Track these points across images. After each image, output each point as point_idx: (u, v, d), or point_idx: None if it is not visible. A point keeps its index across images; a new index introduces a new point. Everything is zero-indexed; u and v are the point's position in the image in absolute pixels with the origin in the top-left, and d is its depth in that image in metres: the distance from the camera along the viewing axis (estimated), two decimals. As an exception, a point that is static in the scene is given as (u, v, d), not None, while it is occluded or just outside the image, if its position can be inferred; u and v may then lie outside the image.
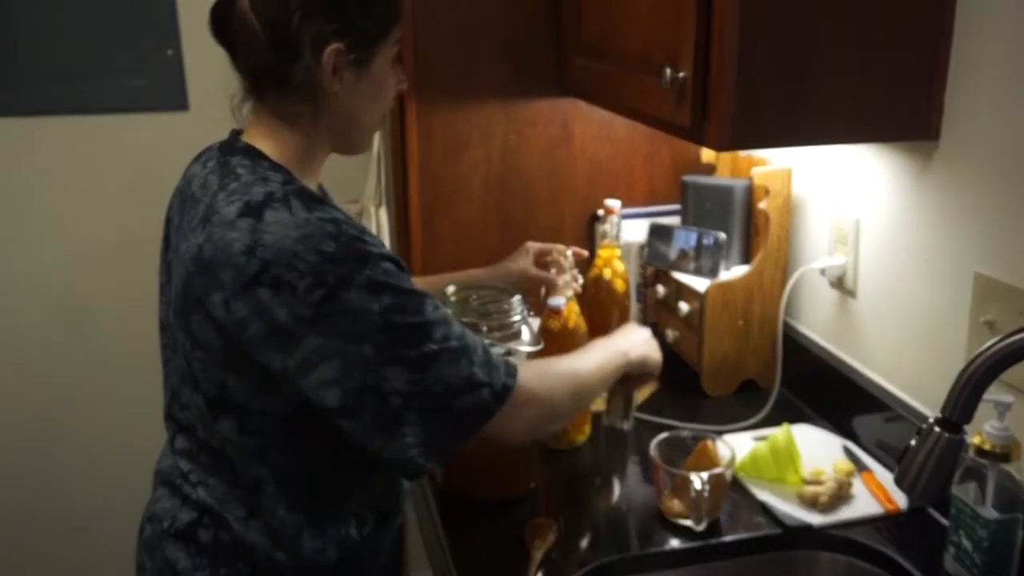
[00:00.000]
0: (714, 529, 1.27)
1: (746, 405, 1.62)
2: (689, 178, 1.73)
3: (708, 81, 1.19)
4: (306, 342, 0.97)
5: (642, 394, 1.62)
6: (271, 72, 1.07)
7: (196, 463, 1.13)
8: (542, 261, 1.57)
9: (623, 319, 1.72)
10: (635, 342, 1.34)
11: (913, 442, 0.94)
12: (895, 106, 1.22)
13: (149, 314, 1.20)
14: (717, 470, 1.26)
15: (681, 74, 1.21)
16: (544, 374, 1.14)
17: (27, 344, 2.23)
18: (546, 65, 1.76)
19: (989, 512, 1.08)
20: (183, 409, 1.14)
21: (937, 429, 0.92)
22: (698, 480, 1.22)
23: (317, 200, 1.03)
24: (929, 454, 0.92)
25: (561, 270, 1.54)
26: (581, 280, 1.59)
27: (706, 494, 1.22)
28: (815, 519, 1.27)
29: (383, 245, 1.04)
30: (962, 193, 1.25)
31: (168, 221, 1.17)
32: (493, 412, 1.05)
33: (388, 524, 1.20)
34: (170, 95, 2.14)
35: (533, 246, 1.58)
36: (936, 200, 1.30)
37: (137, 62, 2.11)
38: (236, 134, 1.13)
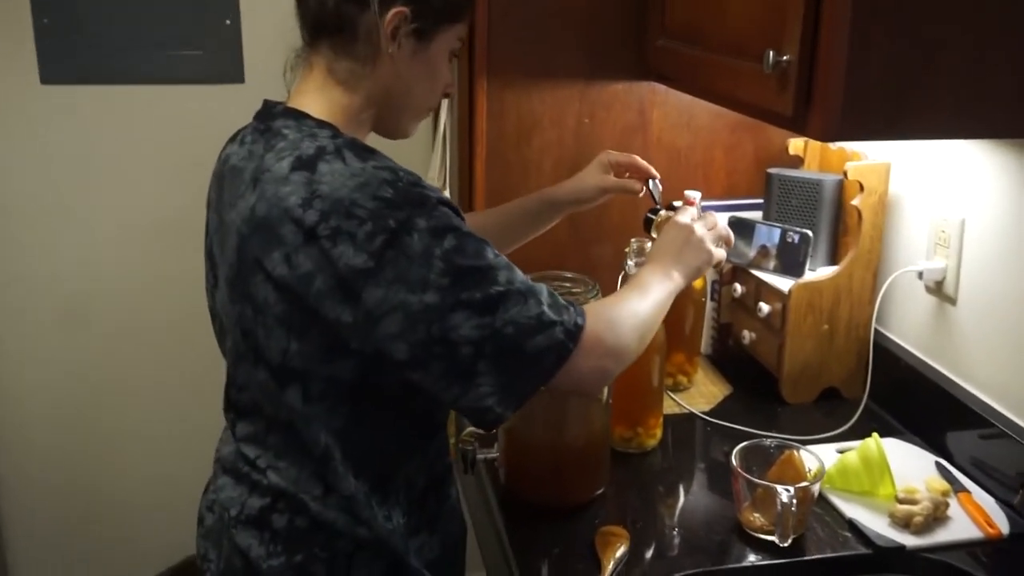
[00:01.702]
0: (798, 546, 1.22)
1: (828, 415, 1.58)
2: (775, 171, 1.68)
3: (814, 65, 1.15)
4: (367, 295, 0.97)
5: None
6: (336, 20, 1.08)
7: (264, 447, 1.12)
8: (620, 173, 1.50)
9: (698, 317, 1.68)
10: (681, 258, 1.26)
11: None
12: (1019, 98, 1.16)
13: (201, 287, 1.19)
14: (805, 483, 1.21)
15: (785, 57, 1.16)
16: (609, 316, 1.10)
17: (80, 315, 2.23)
18: (625, 46, 1.72)
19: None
20: (241, 391, 1.13)
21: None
22: (785, 493, 1.18)
23: (369, 150, 1.05)
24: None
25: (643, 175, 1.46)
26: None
27: (793, 508, 1.18)
28: (908, 540, 1.22)
29: (440, 191, 1.03)
30: (1086, 195, 1.19)
31: (208, 207, 1.17)
32: (569, 351, 1.03)
33: (443, 490, 1.19)
34: (226, 67, 2.13)
35: (611, 155, 1.50)
36: (1055, 202, 1.25)
37: (195, 32, 2.10)
38: (269, 104, 1.13)
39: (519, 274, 1.04)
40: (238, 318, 1.08)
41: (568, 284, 1.33)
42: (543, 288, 1.05)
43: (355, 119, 1.12)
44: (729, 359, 1.78)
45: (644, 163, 1.49)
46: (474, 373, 1.00)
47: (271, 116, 1.11)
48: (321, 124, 1.07)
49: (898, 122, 1.14)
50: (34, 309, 2.21)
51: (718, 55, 1.39)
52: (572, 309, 1.06)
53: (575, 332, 1.04)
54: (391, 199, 0.98)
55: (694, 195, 1.60)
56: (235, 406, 1.15)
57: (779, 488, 1.19)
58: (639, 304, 1.16)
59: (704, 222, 1.31)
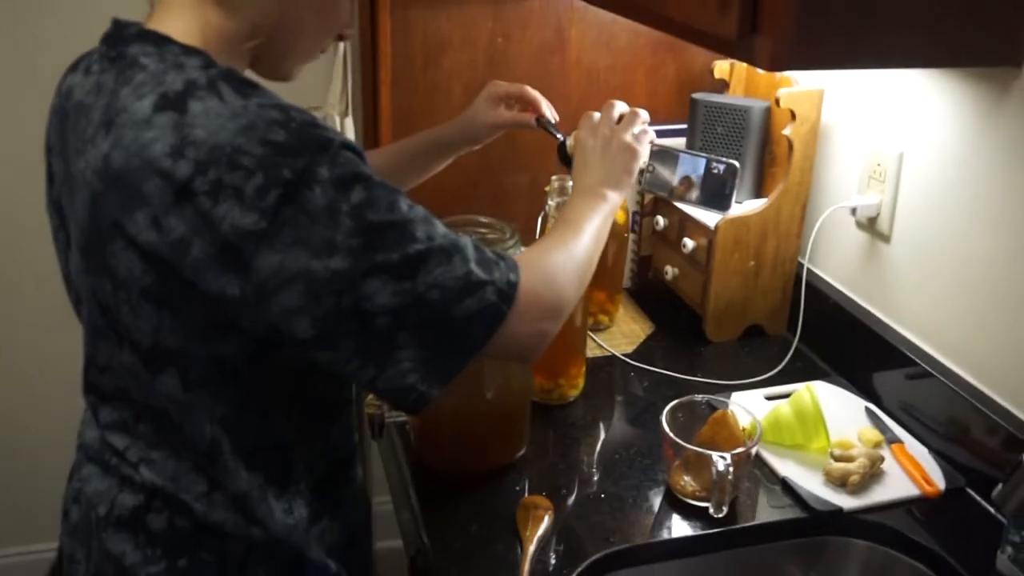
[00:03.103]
0: (731, 511, 1.07)
1: (752, 353, 1.43)
2: (700, 96, 1.48)
3: (762, -16, 0.94)
4: (260, 262, 0.75)
5: None
6: None
7: (133, 436, 0.89)
8: (511, 105, 1.27)
9: (621, 253, 1.49)
10: (605, 169, 1.07)
11: (1027, 459, 0.73)
12: (978, 23, 0.97)
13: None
14: (741, 448, 1.05)
15: (729, -27, 0.95)
16: (543, 267, 0.92)
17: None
18: (542, -44, 1.48)
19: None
20: (103, 373, 0.90)
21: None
22: (721, 460, 1.02)
23: (251, 84, 0.81)
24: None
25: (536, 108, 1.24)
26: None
27: (730, 476, 1.02)
28: (845, 502, 1.08)
29: (341, 133, 0.82)
30: (1045, 133, 1.02)
31: (48, 151, 0.92)
32: (503, 315, 0.84)
33: (347, 473, 1.00)
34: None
35: (499, 87, 1.27)
36: (1010, 136, 1.08)
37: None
38: (120, 25, 0.87)
39: (439, 227, 0.83)
40: (93, 291, 0.85)
41: (484, 230, 1.12)
42: (467, 241, 0.85)
43: (232, 48, 0.86)
44: (649, 293, 1.61)
45: (533, 93, 1.25)
46: (393, 348, 0.80)
47: (123, 40, 0.84)
48: (188, 51, 0.82)
49: (857, 49, 0.94)
50: None
51: (648, -31, 1.16)
52: (503, 264, 0.86)
53: (509, 292, 0.84)
54: (284, 144, 0.76)
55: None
56: (96, 389, 0.92)
57: (715, 456, 1.02)
58: (574, 245, 0.97)
59: (608, 119, 1.11)
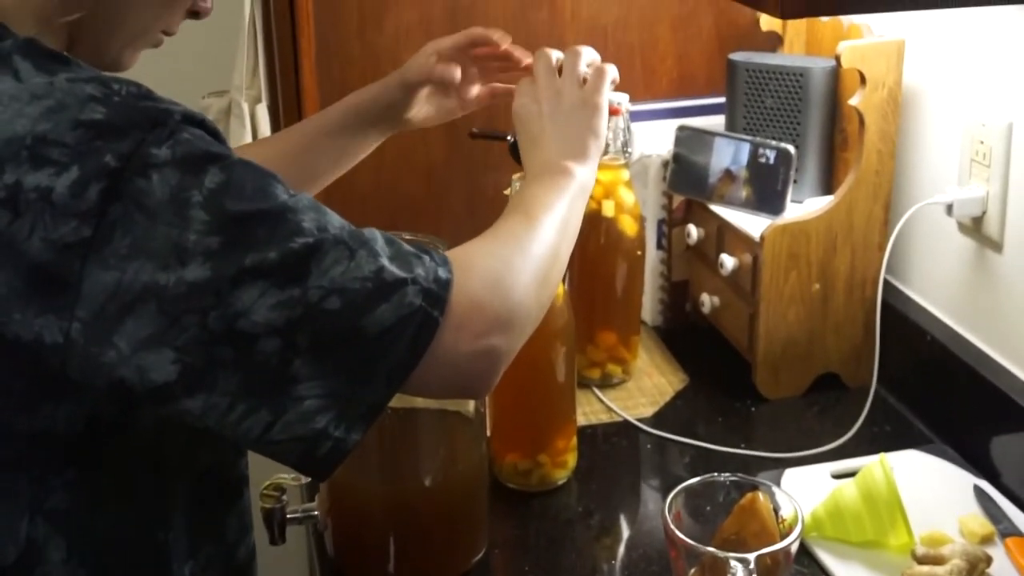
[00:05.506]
0: (766, 638, 1.04)
1: (823, 415, 1.42)
2: (740, 57, 1.50)
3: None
4: (89, 285, 0.77)
5: None
6: None
7: None
8: (459, 59, 1.27)
9: (636, 276, 1.50)
10: (558, 134, 1.07)
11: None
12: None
13: None
14: (773, 547, 1.03)
15: None
16: (485, 263, 0.91)
17: None
18: None
19: None
20: None
21: None
22: (740, 567, 0.99)
23: (59, 58, 0.84)
24: None
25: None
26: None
27: (754, 588, 1.00)
28: (931, 622, 1.05)
29: (182, 105, 0.84)
30: None
31: None
32: (435, 323, 0.84)
33: None
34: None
35: (441, 43, 1.27)
36: None
37: None
38: None
39: (334, 217, 0.84)
40: None
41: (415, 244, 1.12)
42: (375, 233, 0.85)
43: (40, 22, 0.88)
44: (686, 333, 1.61)
45: (484, 32, 1.26)
46: (288, 381, 0.80)
47: None
48: None
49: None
50: None
51: None
52: (428, 258, 0.86)
53: (439, 292, 0.84)
54: (104, 122, 0.78)
55: (618, 99, 1.40)
56: None
57: (732, 560, 0.99)
58: (527, 236, 0.96)
59: (546, 73, 1.11)
